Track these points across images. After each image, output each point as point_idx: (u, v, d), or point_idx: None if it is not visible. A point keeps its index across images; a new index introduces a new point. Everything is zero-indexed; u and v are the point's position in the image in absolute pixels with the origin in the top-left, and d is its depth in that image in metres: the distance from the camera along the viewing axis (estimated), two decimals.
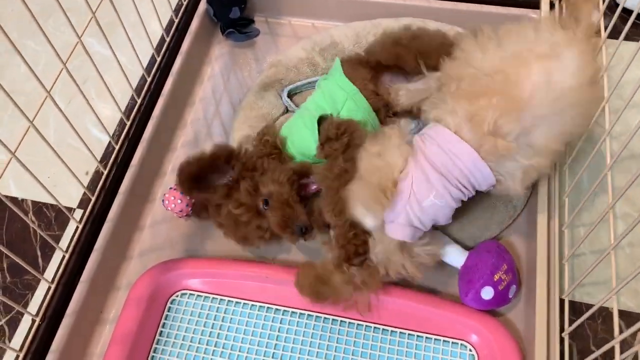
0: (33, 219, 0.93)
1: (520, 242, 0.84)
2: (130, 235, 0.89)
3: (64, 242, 0.90)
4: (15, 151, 0.66)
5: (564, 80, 0.65)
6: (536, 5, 1.00)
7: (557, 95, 0.65)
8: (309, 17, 1.10)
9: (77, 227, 0.82)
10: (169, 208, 0.86)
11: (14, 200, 0.95)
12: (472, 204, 0.83)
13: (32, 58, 1.07)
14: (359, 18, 1.06)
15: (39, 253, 0.90)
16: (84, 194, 0.94)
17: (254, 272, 0.81)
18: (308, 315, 0.78)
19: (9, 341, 0.82)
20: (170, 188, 0.86)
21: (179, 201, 0.86)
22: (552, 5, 0.98)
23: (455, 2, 1.02)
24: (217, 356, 0.77)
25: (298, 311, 0.79)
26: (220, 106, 1.02)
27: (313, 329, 0.78)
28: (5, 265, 0.89)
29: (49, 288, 0.77)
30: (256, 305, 0.80)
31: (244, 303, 0.80)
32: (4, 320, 0.84)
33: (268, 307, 0.80)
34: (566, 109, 0.66)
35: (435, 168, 0.69)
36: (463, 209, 0.83)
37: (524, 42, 0.69)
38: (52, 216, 0.93)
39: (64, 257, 0.80)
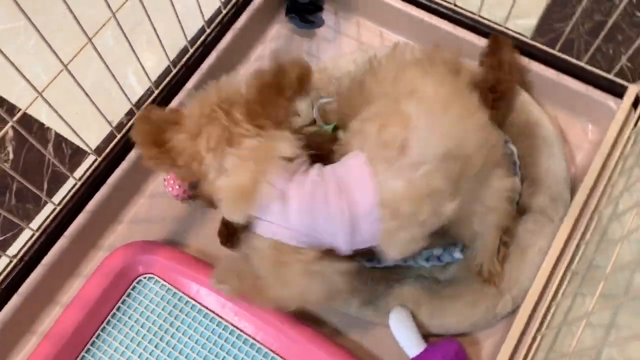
0: (51, 150, 0.96)
1: (489, 344, 0.79)
2: (127, 199, 0.91)
3: (71, 181, 0.94)
4: (42, 91, 0.70)
5: None
6: (620, 95, 0.88)
7: None
8: (379, 24, 1.03)
9: (95, 161, 0.86)
10: (168, 189, 0.87)
11: (40, 125, 0.98)
12: (455, 292, 0.79)
13: None
14: (429, 43, 0.97)
15: (45, 186, 0.94)
16: (103, 141, 0.96)
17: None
18: (262, 349, 0.80)
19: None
20: None
21: (177, 186, 0.86)
22: (635, 104, 0.86)
23: (537, 63, 0.91)
24: (159, 350, 0.80)
25: (251, 339, 0.80)
26: None
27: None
28: (14, 188, 0.94)
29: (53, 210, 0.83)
30: (215, 319, 0.82)
31: (204, 311, 0.82)
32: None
33: (225, 326, 0.81)
34: None
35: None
36: (444, 293, 0.80)
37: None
38: (68, 154, 0.96)
39: (74, 185, 0.84)
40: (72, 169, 0.95)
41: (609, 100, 0.88)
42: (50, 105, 0.72)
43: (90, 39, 0.73)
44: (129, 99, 0.84)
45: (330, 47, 1.02)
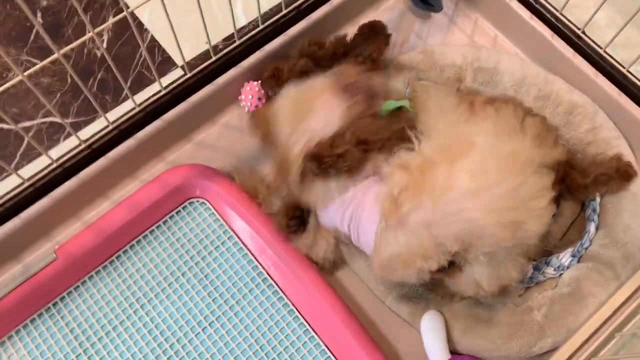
0: (144, 52, 0.97)
1: None
2: (201, 122, 0.91)
3: (154, 87, 0.94)
4: None
5: None
6: None
7: None
8: (497, 27, 0.99)
9: (184, 75, 0.85)
10: (246, 104, 0.90)
11: (139, 24, 0.99)
12: (492, 318, 0.77)
13: None
14: (543, 63, 0.94)
15: (128, 84, 0.95)
16: (194, 58, 0.96)
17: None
18: (288, 305, 0.80)
19: None
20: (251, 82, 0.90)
21: (250, 97, 0.89)
22: None
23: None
24: (191, 273, 0.81)
25: (280, 292, 0.80)
26: None
27: None
28: (98, 76, 0.95)
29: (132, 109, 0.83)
30: (252, 261, 0.82)
31: (244, 250, 0.82)
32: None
33: (260, 271, 0.81)
34: None
35: None
36: (481, 316, 0.78)
37: None
38: (158, 60, 0.97)
39: (158, 91, 0.84)
40: (161, 74, 0.95)
41: None
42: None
43: None
44: (234, 24, 0.83)
45: (440, 34, 0.99)
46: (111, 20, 0.72)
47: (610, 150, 0.85)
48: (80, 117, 0.92)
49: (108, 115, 0.92)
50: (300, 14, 0.92)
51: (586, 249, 0.80)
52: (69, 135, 0.90)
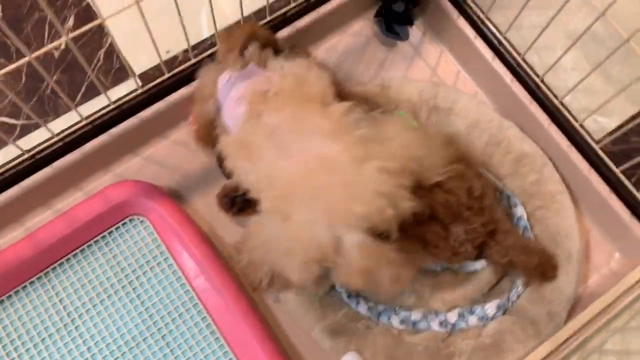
0: (101, 56, 0.96)
1: None
2: (152, 137, 0.91)
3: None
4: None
5: None
6: None
7: None
8: (460, 63, 0.98)
9: (135, 90, 0.85)
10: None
11: (100, 28, 0.97)
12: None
13: None
14: (500, 104, 0.94)
15: (83, 89, 0.94)
16: (151, 68, 0.95)
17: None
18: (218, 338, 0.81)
19: None
20: None
21: None
22: None
23: (595, 174, 0.87)
24: (124, 292, 0.82)
25: (209, 318, 0.81)
26: None
27: None
28: (54, 78, 0.94)
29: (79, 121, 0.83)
30: (185, 285, 0.83)
31: (178, 273, 0.83)
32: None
33: (192, 296, 0.82)
34: None
35: None
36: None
37: None
38: (115, 67, 0.95)
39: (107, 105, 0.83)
40: (115, 83, 0.94)
41: None
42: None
43: None
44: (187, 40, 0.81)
45: (403, 64, 0.98)
46: (82, 28, 0.69)
47: (553, 205, 0.85)
48: (32, 119, 0.92)
49: (61, 118, 0.92)
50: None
51: (513, 302, 0.81)
52: (18, 137, 0.90)
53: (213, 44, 0.89)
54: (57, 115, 0.92)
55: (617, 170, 0.85)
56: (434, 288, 0.83)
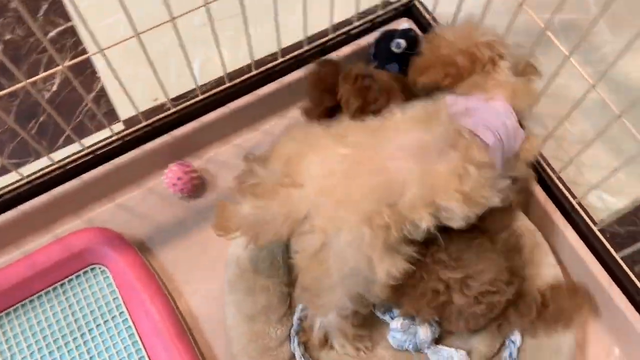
0: (89, 100, 0.95)
1: None
2: (126, 183, 0.89)
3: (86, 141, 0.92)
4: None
5: None
6: None
7: None
8: None
9: (112, 136, 0.84)
10: (167, 183, 0.86)
11: (92, 72, 0.97)
12: None
13: None
14: None
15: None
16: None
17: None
18: None
19: None
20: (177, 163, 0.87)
21: (177, 179, 0.86)
22: None
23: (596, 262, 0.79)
24: (76, 343, 0.78)
25: None
26: None
27: None
28: (40, 119, 0.94)
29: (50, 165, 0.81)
30: (138, 343, 0.78)
31: (132, 330, 0.79)
32: None
33: (142, 356, 0.78)
34: None
35: None
36: None
37: None
38: (102, 111, 0.95)
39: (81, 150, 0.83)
40: (100, 128, 0.93)
41: None
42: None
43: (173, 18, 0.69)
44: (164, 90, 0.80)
45: None
46: (67, 62, 0.69)
47: None
48: (13, 159, 0.91)
49: (39, 162, 0.91)
50: (245, 89, 0.89)
51: None
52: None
53: (194, 97, 0.87)
54: (37, 157, 0.91)
55: (618, 258, 0.77)
56: None
